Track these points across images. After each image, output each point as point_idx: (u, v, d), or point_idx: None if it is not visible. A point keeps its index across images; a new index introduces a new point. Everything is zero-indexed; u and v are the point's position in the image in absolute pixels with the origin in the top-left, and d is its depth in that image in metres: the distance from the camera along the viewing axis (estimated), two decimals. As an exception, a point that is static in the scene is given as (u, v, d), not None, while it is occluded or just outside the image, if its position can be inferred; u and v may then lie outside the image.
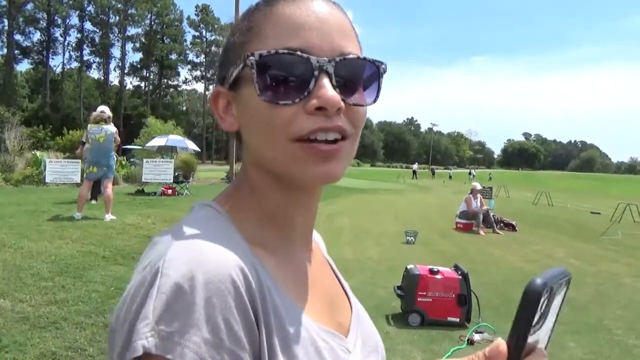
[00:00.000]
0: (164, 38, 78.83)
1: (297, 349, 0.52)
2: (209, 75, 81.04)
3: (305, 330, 0.55)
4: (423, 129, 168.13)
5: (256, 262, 0.54)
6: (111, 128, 8.17)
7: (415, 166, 60.95)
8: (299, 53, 0.54)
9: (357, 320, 0.68)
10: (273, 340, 0.50)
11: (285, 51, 0.54)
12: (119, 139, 8.36)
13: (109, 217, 7.86)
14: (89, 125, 8.29)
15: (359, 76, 0.58)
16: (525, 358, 0.47)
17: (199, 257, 0.49)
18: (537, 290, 0.44)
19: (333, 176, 0.56)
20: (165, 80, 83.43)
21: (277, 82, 0.54)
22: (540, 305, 0.45)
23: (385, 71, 0.60)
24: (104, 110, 8.36)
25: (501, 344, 0.47)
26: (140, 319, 0.46)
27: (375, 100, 0.60)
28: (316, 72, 0.54)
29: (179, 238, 0.52)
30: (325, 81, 0.53)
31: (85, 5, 69.65)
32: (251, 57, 0.54)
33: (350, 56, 0.56)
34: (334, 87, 0.54)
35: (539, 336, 0.48)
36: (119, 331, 0.48)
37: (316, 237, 0.79)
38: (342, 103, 0.54)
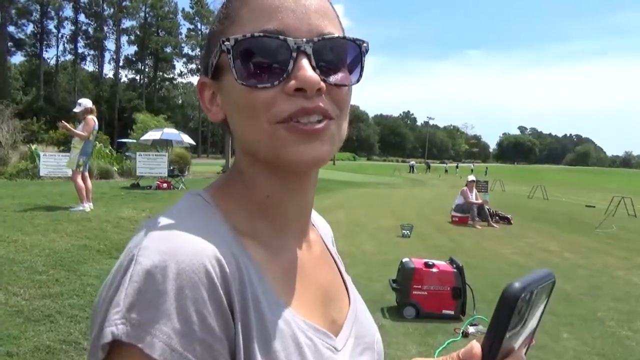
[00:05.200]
0: (159, 31, 78.29)
1: (275, 343, 0.51)
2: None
3: (287, 325, 0.53)
4: (419, 122, 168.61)
5: (240, 253, 0.53)
6: None
7: (412, 162, 67.72)
8: (275, 35, 0.53)
9: (353, 316, 0.66)
10: (250, 333, 0.49)
11: (261, 34, 0.53)
12: None
13: (88, 206, 7.77)
14: (92, 116, 7.86)
15: (340, 56, 0.56)
16: None
17: (174, 247, 0.48)
18: (514, 294, 0.43)
19: (319, 157, 0.54)
20: (161, 73, 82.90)
21: (255, 65, 0.53)
22: (517, 309, 0.43)
23: (367, 50, 0.58)
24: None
25: (475, 346, 0.46)
26: (113, 305, 0.46)
27: (358, 80, 0.58)
28: (294, 54, 0.52)
29: (159, 226, 0.51)
30: (304, 62, 0.52)
31: (79, -3, 69.12)
32: (226, 43, 0.53)
33: (329, 36, 0.55)
34: (314, 68, 0.53)
35: (518, 339, 0.47)
36: (96, 315, 0.48)
37: (322, 227, 0.77)
38: (322, 83, 0.53)
